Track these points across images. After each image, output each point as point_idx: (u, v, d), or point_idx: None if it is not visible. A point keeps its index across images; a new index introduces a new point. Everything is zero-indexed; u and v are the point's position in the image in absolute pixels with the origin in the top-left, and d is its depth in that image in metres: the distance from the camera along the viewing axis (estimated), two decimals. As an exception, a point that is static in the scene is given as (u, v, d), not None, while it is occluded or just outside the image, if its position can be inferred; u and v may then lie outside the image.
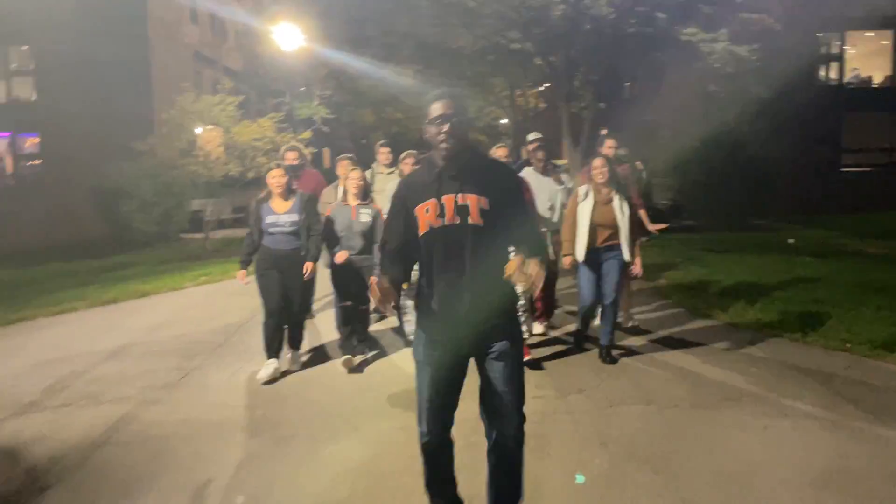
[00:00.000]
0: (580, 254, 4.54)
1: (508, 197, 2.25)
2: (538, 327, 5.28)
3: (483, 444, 2.44)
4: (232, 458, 3.30)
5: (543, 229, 4.92)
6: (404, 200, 2.29)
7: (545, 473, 2.99)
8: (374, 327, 5.41)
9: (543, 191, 5.04)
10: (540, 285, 2.14)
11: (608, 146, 5.46)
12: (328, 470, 3.16)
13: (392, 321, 5.68)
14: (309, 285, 5.02)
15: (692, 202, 12.97)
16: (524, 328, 4.48)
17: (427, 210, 2.21)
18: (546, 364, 4.60)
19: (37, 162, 17.32)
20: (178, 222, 13.05)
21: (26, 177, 17.14)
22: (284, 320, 4.61)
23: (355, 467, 3.17)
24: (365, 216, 4.68)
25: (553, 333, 5.37)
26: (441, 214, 2.19)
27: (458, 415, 2.42)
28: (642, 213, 5.33)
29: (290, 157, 5.68)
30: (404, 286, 2.51)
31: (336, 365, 4.70)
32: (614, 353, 4.66)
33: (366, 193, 4.83)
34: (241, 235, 4.53)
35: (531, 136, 5.40)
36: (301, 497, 2.91)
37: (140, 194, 12.23)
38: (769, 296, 6.27)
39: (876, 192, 15.79)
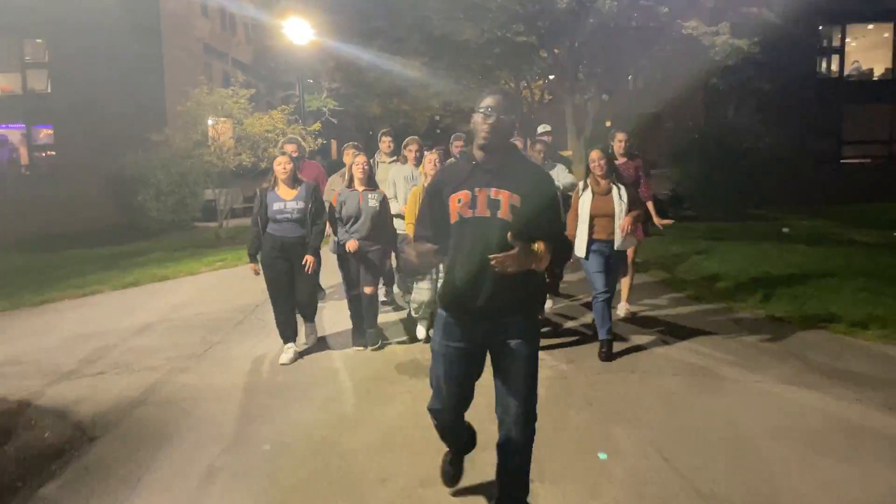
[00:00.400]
0: (580, 250, 4.53)
1: (541, 199, 2.28)
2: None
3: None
4: (256, 415, 3.70)
5: None
6: (440, 188, 2.33)
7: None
8: (383, 313, 5.76)
9: None
10: (542, 266, 2.19)
11: (619, 139, 5.46)
12: (343, 424, 3.56)
13: (402, 314, 5.87)
14: (315, 269, 4.87)
15: (692, 193, 13.26)
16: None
17: (459, 200, 2.25)
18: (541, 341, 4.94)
19: (51, 153, 17.76)
20: (192, 211, 13.48)
21: (41, 167, 17.56)
22: (293, 305, 4.69)
23: (367, 422, 3.57)
24: (373, 201, 4.76)
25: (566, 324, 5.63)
26: (472, 205, 2.24)
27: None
28: (650, 205, 5.39)
29: (289, 150, 5.63)
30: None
31: (349, 343, 5.02)
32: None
33: (371, 179, 4.88)
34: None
35: (540, 129, 5.64)
36: (320, 446, 3.30)
37: (155, 184, 12.65)
38: (756, 279, 6.60)
39: (876, 183, 16.02)
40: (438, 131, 27.21)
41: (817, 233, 10.30)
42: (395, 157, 6.10)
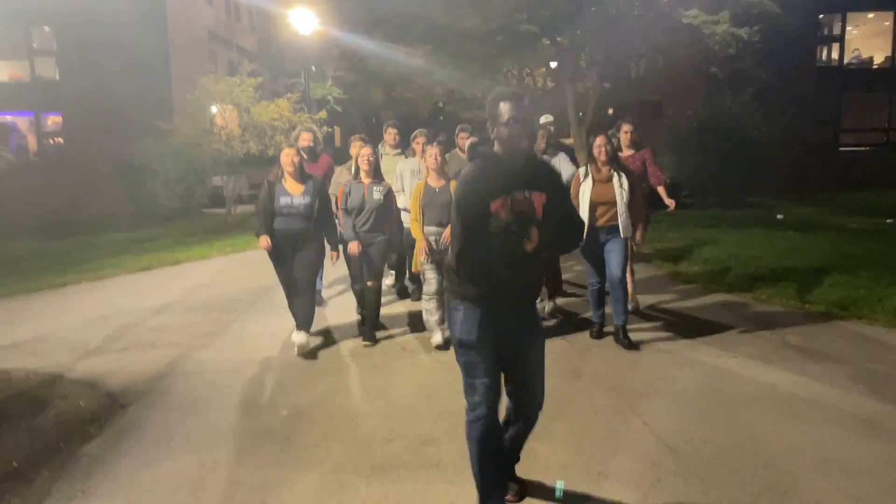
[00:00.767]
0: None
1: (560, 194, 2.50)
2: (549, 305, 5.39)
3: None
4: (272, 385, 4.04)
5: None
6: (483, 198, 2.32)
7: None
8: (390, 302, 6.06)
9: None
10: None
11: (625, 130, 5.42)
12: (352, 391, 3.90)
13: (409, 303, 6.02)
14: (318, 260, 4.84)
15: (691, 180, 13.48)
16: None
17: (501, 205, 2.32)
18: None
19: (59, 139, 18.04)
20: (200, 198, 13.77)
21: (49, 154, 17.85)
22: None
23: (374, 390, 3.90)
24: (377, 193, 4.75)
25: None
26: (514, 208, 2.33)
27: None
28: (661, 189, 5.45)
29: (306, 139, 5.61)
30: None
31: (356, 323, 5.30)
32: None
33: (377, 171, 4.87)
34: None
35: (543, 119, 5.82)
36: (332, 411, 3.63)
37: (164, 172, 12.93)
38: (743, 262, 6.88)
39: (873, 171, 16.23)
40: (442, 118, 27.40)
41: (809, 220, 10.57)
42: (399, 150, 6.07)
